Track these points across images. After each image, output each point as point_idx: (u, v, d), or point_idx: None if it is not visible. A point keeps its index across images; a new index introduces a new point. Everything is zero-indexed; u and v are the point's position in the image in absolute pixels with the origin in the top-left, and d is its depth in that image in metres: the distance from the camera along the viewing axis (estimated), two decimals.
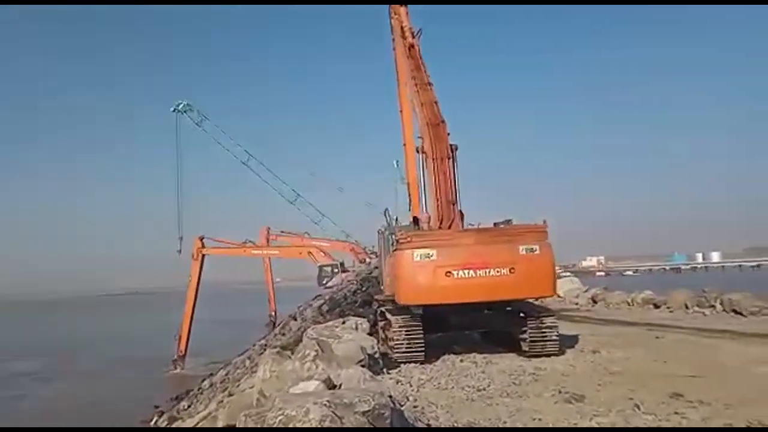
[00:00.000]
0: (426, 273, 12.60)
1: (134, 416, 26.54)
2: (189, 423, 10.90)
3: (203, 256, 47.13)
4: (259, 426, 5.73)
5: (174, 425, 15.26)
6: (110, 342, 73.35)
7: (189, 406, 21.70)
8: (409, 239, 13.03)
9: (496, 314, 13.99)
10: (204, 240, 47.59)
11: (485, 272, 12.53)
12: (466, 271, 12.51)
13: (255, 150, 55.34)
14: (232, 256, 50.26)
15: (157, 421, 21.79)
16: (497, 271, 12.55)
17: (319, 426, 4.56)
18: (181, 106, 52.88)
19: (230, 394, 12.91)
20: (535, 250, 12.69)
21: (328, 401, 5.21)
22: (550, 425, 7.71)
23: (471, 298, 12.69)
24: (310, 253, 46.26)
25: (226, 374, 25.57)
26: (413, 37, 16.35)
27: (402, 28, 16.85)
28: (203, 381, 28.13)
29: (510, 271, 12.56)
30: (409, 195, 16.62)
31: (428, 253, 12.64)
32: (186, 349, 45.99)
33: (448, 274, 12.51)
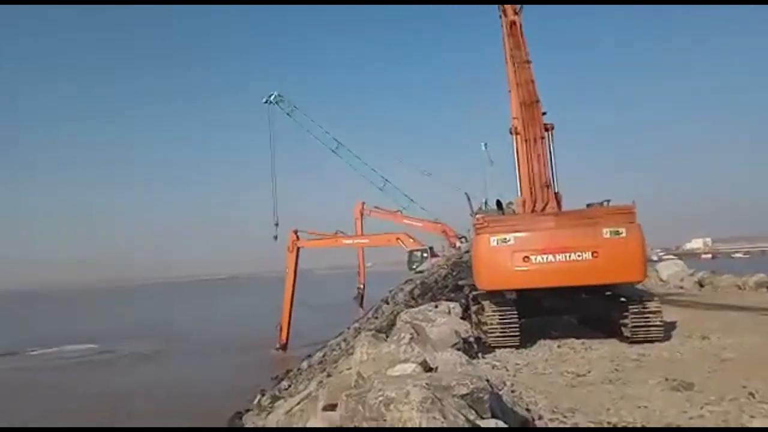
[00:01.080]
0: (503, 258, 12.38)
1: (238, 396, 27.94)
2: (291, 402, 11.34)
3: (298, 248, 48.77)
4: (361, 406, 5.88)
5: (276, 404, 15.95)
6: (213, 324, 77.60)
7: (289, 386, 22.56)
8: (485, 224, 12.85)
9: (594, 299, 13.53)
10: (298, 233, 49.26)
11: (565, 257, 12.12)
12: (544, 256, 12.18)
13: (343, 137, 56.28)
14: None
15: (260, 399, 22.82)
16: (578, 256, 12.11)
17: (420, 406, 4.61)
18: (272, 97, 54.54)
19: (329, 375, 13.30)
20: (621, 233, 12.11)
21: (426, 383, 5.26)
22: (657, 413, 7.39)
23: (551, 284, 12.34)
24: (399, 239, 46.66)
25: (323, 356, 26.34)
26: (515, 13, 15.88)
27: (504, 5, 16.36)
28: (302, 362, 29.12)
29: (593, 255, 12.09)
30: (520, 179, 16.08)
31: (505, 238, 12.41)
32: (287, 339, 47.81)
33: (526, 259, 12.24)
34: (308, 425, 7.88)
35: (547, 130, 14.58)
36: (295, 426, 8.43)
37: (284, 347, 47.66)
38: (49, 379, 42.34)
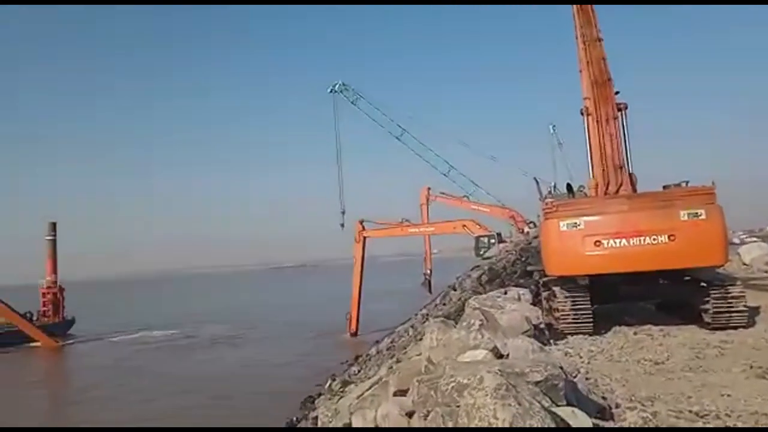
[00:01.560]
0: (573, 243, 12.02)
1: (311, 379, 28.65)
2: (362, 387, 11.49)
3: (365, 238, 49.25)
4: (433, 392, 5.92)
5: (347, 389, 16.24)
6: (285, 310, 79.76)
7: (359, 371, 22.90)
8: (554, 208, 12.51)
9: (672, 284, 13.02)
10: (364, 222, 49.73)
11: (640, 240, 11.67)
12: (617, 240, 11.75)
13: (406, 123, 56.13)
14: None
15: (331, 384, 23.28)
16: (654, 239, 11.62)
17: (494, 392, 4.59)
18: (337, 86, 55.04)
19: (398, 361, 13.39)
20: (700, 215, 11.54)
21: (499, 370, 5.22)
22: (742, 402, 7.07)
23: (624, 269, 11.90)
24: (465, 226, 46.27)
25: (391, 342, 26.56)
26: None
27: None
28: (371, 348, 29.50)
29: (669, 238, 11.57)
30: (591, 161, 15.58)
31: (575, 222, 12.04)
32: (357, 328, 48.51)
33: (598, 243, 11.84)
34: (380, 410, 7.99)
35: (620, 109, 14.05)
36: (366, 410, 8.56)
37: (355, 335, 48.42)
38: (137, 362, 44.74)
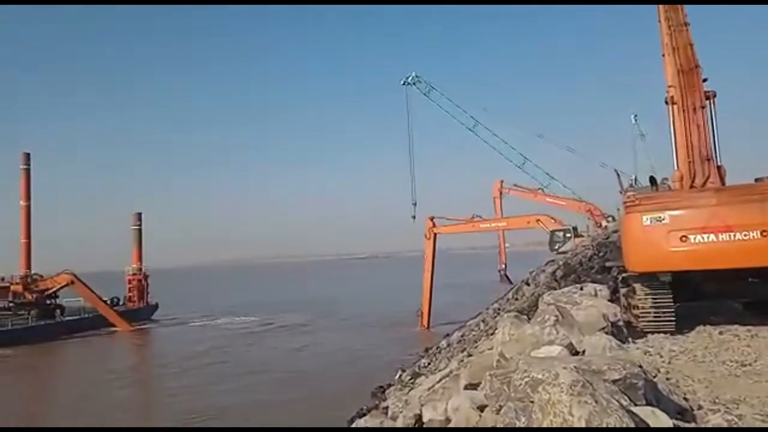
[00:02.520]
0: (657, 238, 11.45)
1: (380, 369, 28.95)
2: (432, 379, 11.51)
3: (435, 235, 49.06)
4: (505, 386, 5.85)
5: (417, 381, 16.31)
6: (357, 300, 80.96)
7: (429, 363, 22.92)
8: (637, 202, 11.97)
9: (763, 282, 12.26)
10: (434, 219, 49.58)
11: (729, 236, 10.99)
12: (705, 236, 11.10)
13: (480, 116, 55.45)
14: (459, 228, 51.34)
15: (401, 375, 23.42)
16: (744, 235, 10.91)
17: (570, 389, 4.49)
18: (410, 78, 55.03)
19: (469, 355, 13.33)
20: None
21: (575, 366, 5.10)
22: None
23: (711, 266, 11.23)
24: (539, 221, 45.32)
25: (462, 335, 26.39)
26: None
27: None
28: (441, 341, 29.44)
29: (762, 234, 10.86)
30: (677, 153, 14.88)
31: (659, 217, 11.47)
32: (429, 323, 48.58)
33: (684, 239, 11.24)
34: (451, 403, 7.99)
35: (708, 98, 13.32)
36: (437, 402, 8.58)
37: (426, 329, 48.55)
38: (214, 346, 46.64)
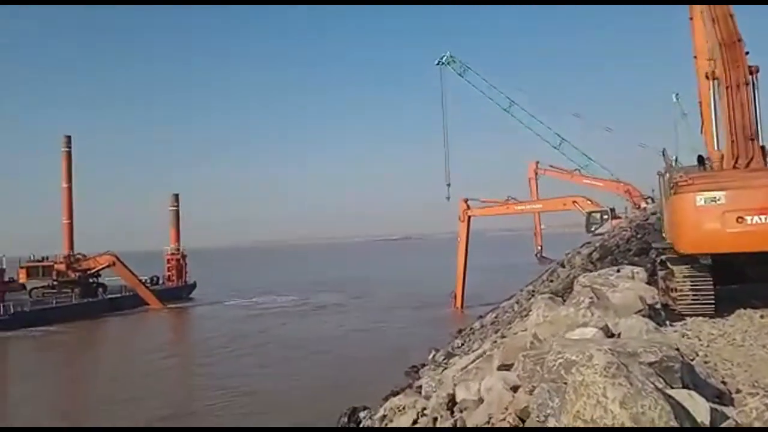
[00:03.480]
0: (711, 219, 11.16)
1: (414, 350, 29.13)
2: (465, 360, 11.55)
3: (469, 217, 48.69)
4: (539, 367, 5.86)
5: (450, 361, 16.38)
6: (391, 281, 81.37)
7: (462, 344, 23.00)
8: (690, 181, 11.64)
9: None
10: (468, 201, 49.19)
11: None
12: (762, 217, 10.81)
13: (516, 96, 54.64)
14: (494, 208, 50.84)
15: (434, 355, 23.55)
16: None
17: (604, 371, 4.47)
18: (444, 58, 54.45)
19: (503, 336, 13.32)
20: None
21: (610, 349, 5.07)
22: None
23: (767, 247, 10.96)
24: (575, 203, 44.62)
25: (495, 317, 26.38)
26: None
27: None
28: (475, 322, 29.46)
29: None
30: (702, 129, 14.50)
31: (714, 197, 11.16)
32: (462, 306, 48.57)
33: (740, 219, 10.93)
34: (484, 383, 8.01)
35: (751, 73, 12.81)
36: (470, 382, 8.62)
37: (460, 311, 48.59)
38: (250, 325, 47.58)
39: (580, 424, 4.48)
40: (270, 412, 22.12)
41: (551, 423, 5.17)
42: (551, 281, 25.99)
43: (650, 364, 5.22)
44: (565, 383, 5.12)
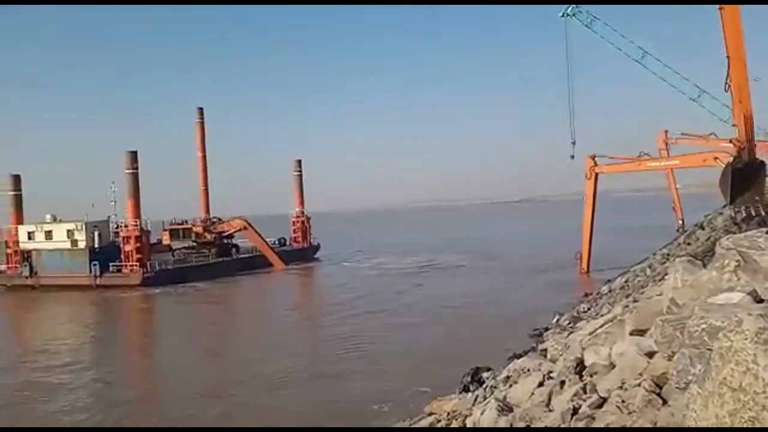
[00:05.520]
0: None
1: (537, 313, 28.73)
2: (593, 324, 11.23)
3: (596, 174, 46.18)
4: (679, 333, 5.60)
5: (577, 325, 16.00)
6: (514, 244, 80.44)
7: (589, 309, 22.35)
8: None
9: None
10: (596, 157, 46.63)
11: None
12: None
13: (649, 46, 50.57)
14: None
15: (559, 319, 23.12)
16: None
17: (755, 336, 4.19)
18: (569, 9, 51.51)
19: (635, 300, 12.78)
20: None
21: (761, 314, 4.73)
22: None
23: None
24: (716, 158, 41.00)
25: (625, 281, 25.31)
26: None
27: None
28: (602, 286, 28.47)
29: None
30: None
31: None
32: (588, 267, 46.92)
33: None
34: (615, 348, 7.79)
35: None
36: (600, 347, 8.42)
37: (586, 273, 47.01)
38: (372, 285, 49.05)
39: (726, 391, 4.26)
40: (393, 373, 22.68)
41: (693, 390, 4.95)
42: (688, 244, 24.44)
43: None
44: (709, 349, 4.86)
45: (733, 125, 33.78)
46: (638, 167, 44.97)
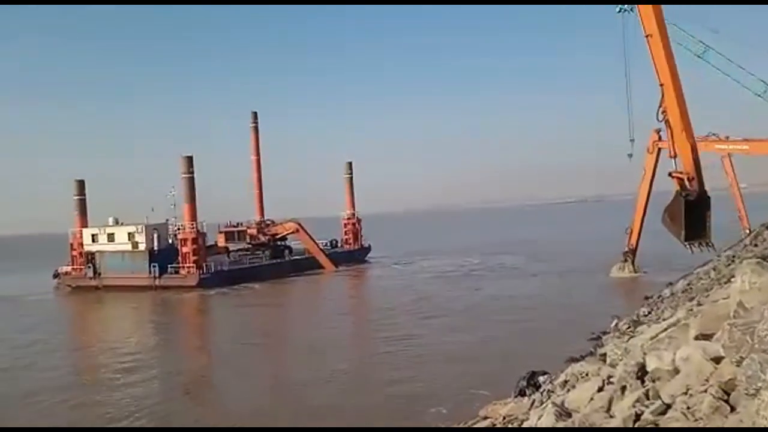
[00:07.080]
0: None
1: (593, 317, 28.08)
2: (655, 328, 10.91)
3: (659, 149, 44.17)
4: (748, 337, 5.39)
5: (637, 329, 15.54)
6: (568, 245, 78.87)
7: (650, 312, 21.67)
8: None
9: None
10: (660, 133, 44.68)
11: None
12: None
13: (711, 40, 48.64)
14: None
15: (617, 323, 22.53)
16: None
17: None
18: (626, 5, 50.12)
19: (699, 304, 12.34)
20: None
21: None
22: None
23: None
24: None
25: (688, 284, 24.42)
26: None
27: None
28: (664, 289, 27.56)
29: None
30: None
31: None
32: (637, 244, 45.37)
33: None
34: (679, 353, 7.54)
35: None
36: (663, 352, 8.17)
37: (632, 252, 45.51)
38: (422, 287, 49.01)
39: None
40: (448, 375, 22.59)
41: (764, 397, 4.76)
42: (755, 245, 23.43)
43: None
44: None
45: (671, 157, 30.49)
46: (704, 147, 41.95)
